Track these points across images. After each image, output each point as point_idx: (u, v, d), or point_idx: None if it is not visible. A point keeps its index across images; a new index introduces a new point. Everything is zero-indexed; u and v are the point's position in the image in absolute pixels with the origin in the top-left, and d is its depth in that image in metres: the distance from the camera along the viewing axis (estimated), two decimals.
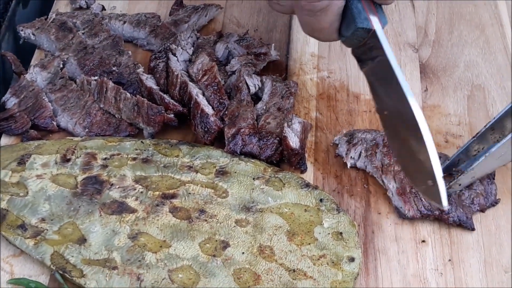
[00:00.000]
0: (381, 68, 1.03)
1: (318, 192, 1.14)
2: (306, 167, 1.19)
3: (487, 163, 1.10)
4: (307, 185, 1.15)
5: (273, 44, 1.36)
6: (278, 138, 1.19)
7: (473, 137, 1.15)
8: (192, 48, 1.33)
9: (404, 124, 1.02)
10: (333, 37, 1.08)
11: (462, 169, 1.13)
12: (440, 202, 1.00)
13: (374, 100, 1.09)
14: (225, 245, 1.07)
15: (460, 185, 1.13)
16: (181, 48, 1.31)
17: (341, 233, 1.09)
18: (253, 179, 1.15)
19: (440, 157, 1.15)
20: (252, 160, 1.18)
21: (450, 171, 1.15)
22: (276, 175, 1.16)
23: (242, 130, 1.18)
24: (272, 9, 1.14)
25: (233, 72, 1.28)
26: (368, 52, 1.05)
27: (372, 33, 1.02)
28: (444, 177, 1.01)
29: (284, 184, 1.15)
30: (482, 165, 1.10)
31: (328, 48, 1.40)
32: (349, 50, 1.08)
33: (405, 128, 1.03)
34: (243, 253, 1.06)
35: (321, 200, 1.13)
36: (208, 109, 1.21)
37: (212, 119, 1.19)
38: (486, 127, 1.14)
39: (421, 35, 1.44)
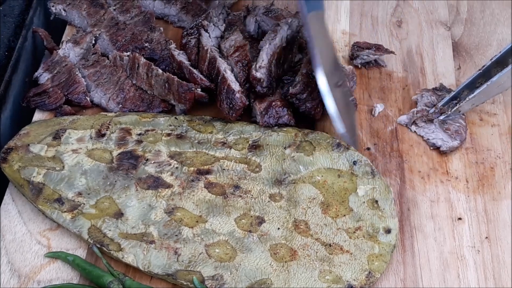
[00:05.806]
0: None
1: (351, 153, 1.13)
2: None
3: (487, 91, 1.20)
4: (338, 145, 1.14)
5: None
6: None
7: (479, 70, 1.22)
8: (224, 25, 1.32)
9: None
10: None
11: (462, 99, 1.22)
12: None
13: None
14: (261, 220, 1.07)
15: (460, 111, 1.22)
16: (213, 24, 1.30)
17: (376, 201, 1.09)
18: (284, 148, 1.15)
19: (444, 89, 1.27)
20: (284, 129, 1.17)
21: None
22: (306, 139, 1.15)
23: (274, 103, 1.18)
24: None
25: None
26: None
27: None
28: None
29: (315, 147, 1.14)
30: (482, 93, 1.20)
31: (359, 26, 1.39)
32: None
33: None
34: (278, 228, 1.06)
35: (354, 163, 1.12)
36: (235, 86, 1.20)
37: (238, 95, 1.18)
38: (492, 60, 1.21)
39: (453, 13, 1.43)
